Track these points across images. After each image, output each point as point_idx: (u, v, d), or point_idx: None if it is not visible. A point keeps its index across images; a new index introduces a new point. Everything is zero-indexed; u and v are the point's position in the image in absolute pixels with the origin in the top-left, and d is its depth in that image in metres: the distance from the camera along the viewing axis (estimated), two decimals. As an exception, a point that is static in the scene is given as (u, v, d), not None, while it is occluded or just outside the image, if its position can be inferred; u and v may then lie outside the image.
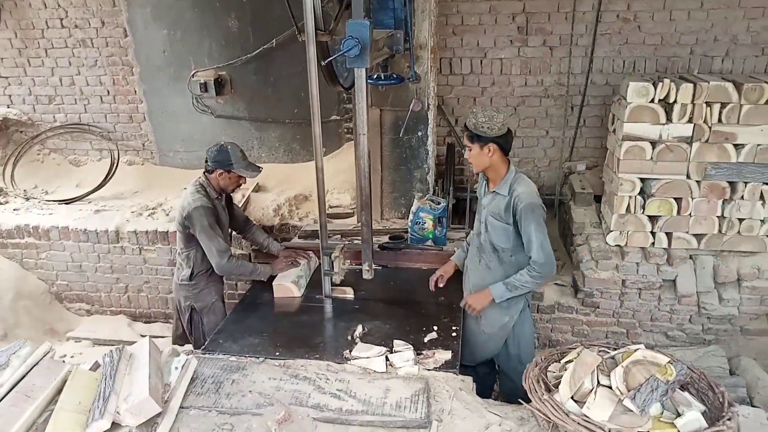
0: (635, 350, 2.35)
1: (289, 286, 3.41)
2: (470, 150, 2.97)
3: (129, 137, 5.87)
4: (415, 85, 4.09)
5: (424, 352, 2.80)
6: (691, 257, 4.19)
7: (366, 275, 3.16)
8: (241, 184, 3.53)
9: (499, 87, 5.18)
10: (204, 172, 3.45)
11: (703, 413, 2.23)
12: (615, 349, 2.49)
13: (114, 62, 5.60)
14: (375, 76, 3.73)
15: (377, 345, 2.82)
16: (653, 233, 4.17)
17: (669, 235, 4.17)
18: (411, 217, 3.95)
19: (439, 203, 3.93)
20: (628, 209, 4.15)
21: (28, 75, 5.79)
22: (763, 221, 4.06)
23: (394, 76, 3.76)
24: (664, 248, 4.19)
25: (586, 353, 2.40)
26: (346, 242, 3.83)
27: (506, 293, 3.06)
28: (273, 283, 3.43)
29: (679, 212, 4.10)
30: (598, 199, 4.74)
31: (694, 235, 4.15)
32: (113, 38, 5.50)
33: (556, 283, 4.41)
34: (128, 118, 5.80)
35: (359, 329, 2.98)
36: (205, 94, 5.22)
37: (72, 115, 5.89)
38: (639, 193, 4.13)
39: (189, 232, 3.38)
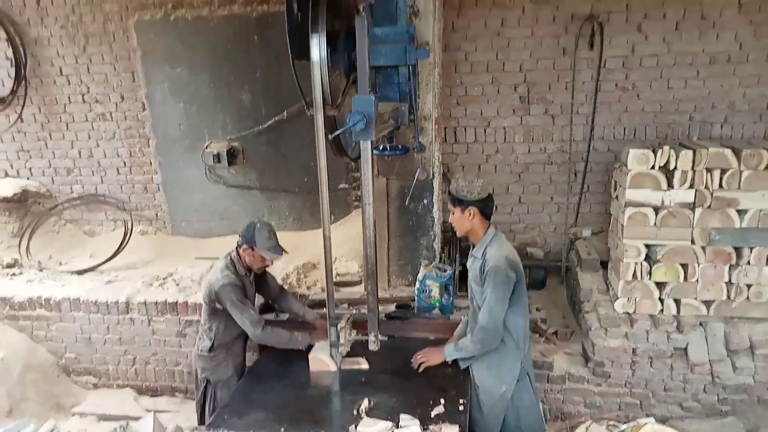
0: (644, 424, 2.32)
1: (325, 359, 3.37)
2: (453, 213, 3.13)
3: (143, 207, 6.03)
4: (420, 155, 4.21)
5: (430, 426, 2.76)
6: (701, 324, 4.14)
7: (372, 346, 3.16)
8: (267, 265, 3.62)
9: (502, 155, 5.30)
10: (236, 247, 3.57)
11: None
12: (625, 422, 2.46)
13: (131, 135, 5.83)
14: (381, 147, 3.84)
15: (383, 419, 2.79)
16: (661, 300, 4.15)
17: (677, 301, 4.14)
18: (417, 285, 3.98)
19: (445, 270, 3.96)
20: (634, 275, 4.14)
21: (49, 148, 6.03)
22: (772, 286, 4.03)
23: (400, 147, 3.88)
24: (673, 315, 4.15)
25: (594, 428, 2.37)
26: (354, 312, 3.84)
27: (454, 353, 3.20)
28: (309, 356, 3.42)
29: (686, 278, 4.09)
30: (604, 264, 4.75)
31: (702, 301, 4.12)
32: (131, 112, 5.74)
33: (565, 352, 4.35)
34: (143, 188, 5.97)
35: (365, 403, 2.95)
36: (218, 165, 5.40)
37: (89, 186, 6.08)
38: (645, 259, 4.13)
39: (214, 306, 3.46)
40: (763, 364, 4.04)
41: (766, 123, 4.93)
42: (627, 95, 5.02)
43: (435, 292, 3.91)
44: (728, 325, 4.13)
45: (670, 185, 4.02)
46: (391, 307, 4.00)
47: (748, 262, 4.02)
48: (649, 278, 4.14)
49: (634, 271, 4.14)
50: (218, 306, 3.44)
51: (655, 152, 4.04)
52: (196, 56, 5.35)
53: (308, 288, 4.65)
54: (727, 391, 4.10)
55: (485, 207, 3.09)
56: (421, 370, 3.28)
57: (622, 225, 4.14)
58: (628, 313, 4.21)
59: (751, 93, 4.88)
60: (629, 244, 4.12)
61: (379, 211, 4.38)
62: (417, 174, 4.20)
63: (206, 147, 5.44)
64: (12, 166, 6.14)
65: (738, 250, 4.03)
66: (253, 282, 3.67)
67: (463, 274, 4.85)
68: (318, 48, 3.06)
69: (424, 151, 4.15)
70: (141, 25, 5.40)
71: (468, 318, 3.45)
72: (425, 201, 4.38)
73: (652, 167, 4.04)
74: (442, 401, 2.97)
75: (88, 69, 5.68)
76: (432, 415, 2.86)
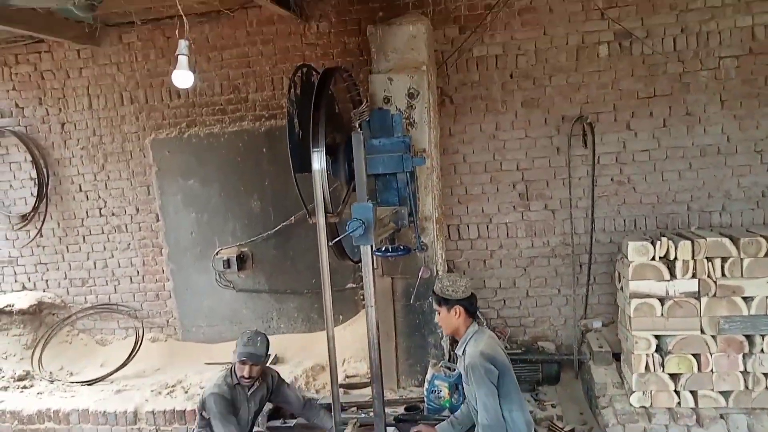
0: None
1: None
2: (439, 313, 3.15)
3: (154, 315, 6.10)
4: (422, 254, 4.31)
5: None
6: (722, 416, 4.01)
7: (378, 452, 3.10)
8: (251, 375, 3.52)
9: (506, 249, 5.39)
10: None
11: None
12: None
13: (145, 245, 6.03)
14: (383, 249, 3.96)
15: None
16: (677, 392, 4.05)
17: (694, 393, 4.04)
18: (426, 385, 3.94)
19: (454, 370, 3.93)
20: (647, 368, 4.08)
21: (66, 260, 6.22)
22: (790, 375, 3.94)
23: (402, 247, 3.99)
24: (691, 408, 4.03)
25: None
26: (362, 415, 3.78)
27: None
28: None
29: (699, 369, 4.01)
30: (617, 356, 4.68)
31: (720, 392, 4.01)
32: (146, 223, 5.98)
33: (586, 451, 4.20)
34: (155, 296, 6.08)
35: None
36: (228, 270, 5.54)
37: (103, 295, 6.20)
38: (656, 351, 4.08)
39: (202, 414, 3.44)
40: (792, 458, 3.86)
41: (763, 209, 5.02)
42: (623, 188, 5.19)
43: (444, 392, 3.86)
44: (750, 416, 3.99)
45: (673, 275, 4.06)
46: (401, 409, 3.93)
47: (762, 350, 3.95)
48: (663, 370, 4.07)
49: (647, 363, 4.08)
50: (205, 415, 3.45)
51: (653, 243, 4.11)
52: (208, 169, 5.66)
53: (317, 391, 4.60)
54: (757, 488, 3.90)
55: (470, 305, 3.14)
56: None
57: (629, 317, 4.14)
58: (644, 407, 4.10)
59: (745, 181, 5.02)
60: (638, 335, 4.09)
61: (385, 311, 4.43)
62: (421, 272, 4.29)
63: (216, 253, 5.61)
64: (29, 279, 6.32)
65: (750, 338, 3.98)
66: (255, 395, 3.61)
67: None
68: (318, 161, 3.28)
69: (427, 250, 4.26)
70: (157, 143, 5.77)
71: (465, 410, 3.38)
72: (431, 299, 4.42)
73: (653, 258, 4.09)
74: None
75: (106, 185, 6.01)
76: None
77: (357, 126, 3.72)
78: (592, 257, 5.24)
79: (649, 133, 5.08)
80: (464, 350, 3.11)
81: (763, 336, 3.95)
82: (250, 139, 5.61)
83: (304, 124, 3.56)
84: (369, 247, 3.05)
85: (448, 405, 3.88)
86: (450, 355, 4.47)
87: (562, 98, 5.16)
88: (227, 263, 5.51)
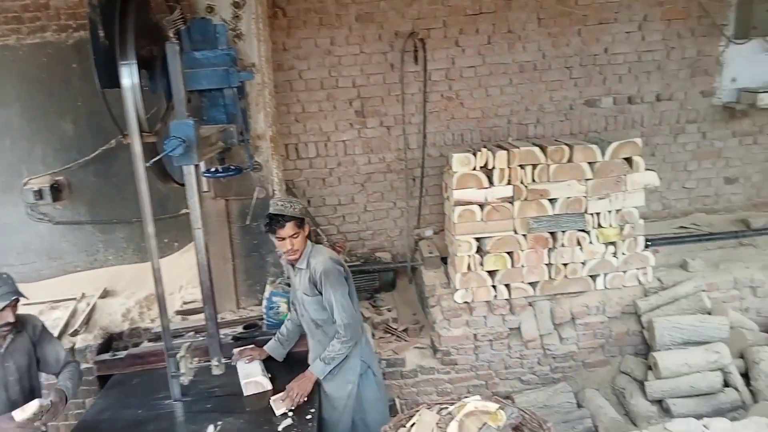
0: (468, 403, 2.53)
1: (261, 381, 3.22)
2: (295, 237, 3.10)
3: (-43, 255, 5.38)
4: (257, 174, 4.23)
5: (279, 440, 2.79)
6: (530, 304, 4.59)
7: (216, 371, 3.11)
8: (6, 320, 2.80)
9: (345, 167, 5.48)
10: None
11: (535, 451, 2.43)
12: (452, 404, 2.66)
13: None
14: (212, 170, 3.80)
15: (230, 442, 2.76)
16: (494, 286, 4.54)
17: (508, 286, 4.55)
18: (264, 303, 3.98)
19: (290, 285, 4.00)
20: (469, 267, 4.49)
21: None
22: (583, 263, 4.57)
23: (232, 167, 3.85)
24: (506, 299, 4.55)
25: (425, 413, 2.55)
26: (195, 340, 3.74)
27: (326, 367, 3.18)
28: (242, 382, 3.21)
29: (513, 264, 4.51)
30: (445, 260, 5.08)
31: (529, 283, 4.56)
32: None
33: (416, 347, 4.59)
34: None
35: (209, 430, 2.90)
36: (41, 201, 4.98)
37: None
38: (476, 252, 4.50)
39: None
40: (584, 332, 4.57)
41: (570, 121, 5.58)
42: (452, 104, 5.44)
43: (283, 307, 3.94)
44: (552, 301, 4.62)
45: (491, 183, 4.43)
46: (240, 329, 3.96)
47: (563, 245, 4.52)
48: (482, 268, 4.51)
49: (468, 263, 4.49)
50: None
51: (475, 154, 4.42)
52: (4, 87, 4.92)
53: (152, 321, 4.44)
54: (557, 360, 4.58)
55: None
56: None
57: (454, 223, 4.48)
58: (467, 303, 4.55)
59: (556, 96, 5.50)
60: (461, 239, 4.46)
61: (220, 233, 4.33)
62: (256, 193, 4.21)
63: (25, 184, 5.00)
64: None
65: (553, 235, 4.53)
66: (12, 351, 2.89)
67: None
68: (129, 76, 3.00)
69: (261, 170, 4.18)
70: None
71: (290, 326, 3.53)
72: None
73: (474, 168, 4.42)
74: (291, 414, 3.00)
75: None
76: (279, 429, 2.89)
77: (172, 35, 3.42)
78: (424, 171, 5.51)
79: (475, 49, 5.31)
80: (308, 263, 3.18)
81: (564, 232, 4.51)
82: (56, 52, 4.92)
83: (110, 32, 3.19)
84: (192, 168, 2.90)
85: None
86: (290, 272, 4.54)
87: (396, 13, 5.18)
88: (39, 194, 4.93)
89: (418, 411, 2.67)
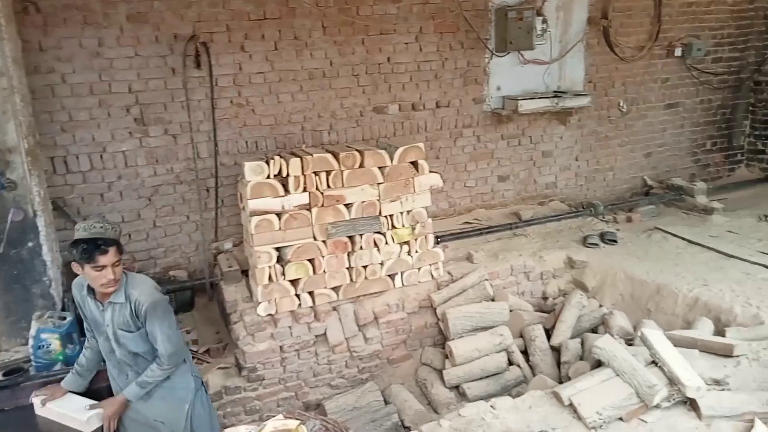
0: (266, 424, 2.41)
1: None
2: (115, 266, 2.81)
3: None
4: (11, 193, 3.62)
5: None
6: (334, 309, 4.62)
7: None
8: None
9: (127, 179, 4.97)
10: None
11: (339, 459, 2.40)
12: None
13: None
14: (-53, 192, 3.17)
15: None
16: (298, 295, 4.48)
17: (312, 293, 4.53)
18: (31, 342, 3.42)
19: (64, 318, 3.50)
20: (270, 278, 4.37)
21: None
22: (381, 264, 4.73)
23: (-25, 187, 3.26)
24: (310, 306, 4.52)
25: (224, 441, 2.37)
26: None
27: (140, 391, 2.99)
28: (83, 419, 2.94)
29: (314, 271, 4.49)
30: (246, 272, 4.89)
31: (332, 288, 4.59)
32: None
33: (219, 368, 4.34)
34: None
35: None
36: None
37: None
38: (277, 261, 4.39)
39: None
40: (386, 330, 4.74)
41: (362, 127, 5.76)
42: (243, 111, 5.25)
43: (55, 344, 3.42)
44: (355, 304, 4.70)
45: (287, 191, 4.36)
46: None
47: (361, 247, 4.63)
48: (284, 278, 4.42)
49: (270, 274, 4.37)
50: None
51: (268, 162, 4.31)
52: None
53: None
54: (363, 360, 4.68)
55: None
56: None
57: (252, 234, 4.32)
58: (271, 315, 4.42)
59: (346, 102, 5.63)
60: (260, 250, 4.32)
61: (-33, 266, 3.63)
62: (11, 216, 3.61)
63: None
64: None
65: (352, 239, 4.61)
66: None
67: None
68: None
69: (16, 188, 3.59)
70: None
71: (89, 355, 3.20)
72: (30, 244, 3.80)
73: (268, 176, 4.31)
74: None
75: None
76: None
77: None
78: (218, 181, 5.25)
79: (262, 55, 5.19)
80: (127, 295, 2.87)
81: (361, 235, 4.62)
82: None
83: None
84: None
85: (62, 358, 3.46)
86: (64, 304, 3.97)
87: (173, 14, 4.83)
88: None
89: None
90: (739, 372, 3.44)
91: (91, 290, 2.91)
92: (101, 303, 2.92)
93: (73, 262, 2.83)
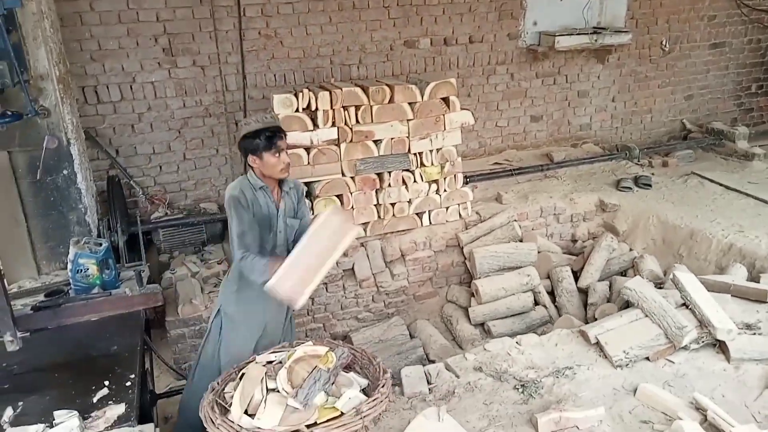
0: (297, 349, 2.47)
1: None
2: (286, 151, 2.93)
3: None
4: (45, 120, 3.64)
5: (93, 413, 2.50)
6: (362, 245, 4.64)
7: (10, 347, 2.68)
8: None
9: (156, 111, 4.96)
10: None
11: (368, 386, 2.46)
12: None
13: None
14: (-17, 117, 3.20)
15: (34, 424, 2.42)
16: (325, 230, 4.49)
17: (339, 229, 4.54)
18: (70, 266, 3.51)
19: (100, 245, 3.58)
20: (299, 213, 4.38)
21: None
22: (409, 202, 4.71)
23: (9, 113, 3.28)
24: (338, 242, 4.54)
25: (252, 367, 2.44)
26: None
27: None
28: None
29: (343, 207, 4.50)
30: (275, 207, 4.92)
31: (360, 224, 4.60)
32: None
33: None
34: None
35: (8, 413, 2.51)
36: None
37: None
38: (306, 196, 4.39)
39: None
40: (413, 267, 4.77)
41: (392, 61, 5.61)
42: (271, 42, 5.13)
43: (92, 270, 3.51)
44: (383, 240, 4.72)
45: (316, 125, 4.31)
46: (42, 297, 3.48)
47: (389, 185, 4.60)
48: (312, 213, 4.43)
49: (298, 209, 4.38)
50: None
51: (297, 96, 4.25)
52: None
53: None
54: (390, 296, 4.74)
55: None
56: None
57: (281, 168, 4.30)
58: (299, 249, 4.46)
59: (377, 36, 5.47)
60: (289, 184, 4.32)
61: (7, 190, 3.71)
62: (46, 143, 3.63)
63: None
64: None
65: (380, 176, 4.58)
66: None
67: (131, 243, 4.49)
68: None
69: (50, 116, 3.61)
70: None
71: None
72: (65, 172, 3.84)
73: (297, 110, 4.25)
74: (107, 383, 2.71)
75: None
76: (95, 401, 2.59)
77: None
78: (246, 114, 5.21)
79: (290, -16, 5.05)
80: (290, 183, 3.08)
81: (390, 173, 4.58)
82: None
83: None
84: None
85: (99, 282, 3.56)
86: (99, 231, 4.06)
87: (200, -62, 4.69)
88: None
89: (248, 362, 2.57)
90: (772, 317, 3.40)
91: (261, 188, 2.93)
92: (275, 193, 3.00)
93: (249, 155, 2.88)
